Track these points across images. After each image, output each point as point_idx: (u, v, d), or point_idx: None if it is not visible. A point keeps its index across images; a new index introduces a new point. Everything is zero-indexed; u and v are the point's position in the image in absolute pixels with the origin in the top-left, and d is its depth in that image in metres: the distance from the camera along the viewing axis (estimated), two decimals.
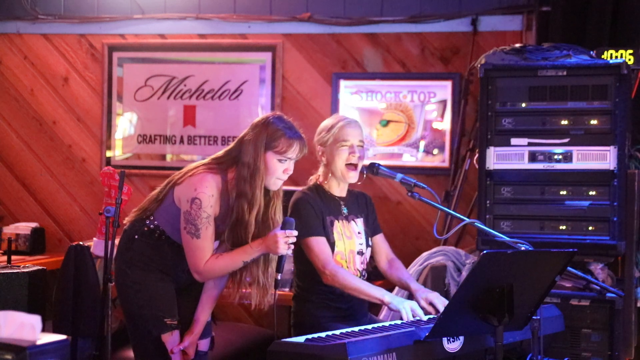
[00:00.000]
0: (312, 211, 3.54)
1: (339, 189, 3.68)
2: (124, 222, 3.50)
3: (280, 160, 3.29)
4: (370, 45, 5.37)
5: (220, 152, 3.41)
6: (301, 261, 3.60)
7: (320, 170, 3.70)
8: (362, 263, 3.67)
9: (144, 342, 3.38)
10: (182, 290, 3.48)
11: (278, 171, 3.30)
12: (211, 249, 3.29)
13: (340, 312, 3.58)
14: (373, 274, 3.94)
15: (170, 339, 3.36)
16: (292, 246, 3.24)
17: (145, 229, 3.39)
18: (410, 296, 4.01)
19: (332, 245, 3.56)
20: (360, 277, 3.64)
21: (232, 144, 3.39)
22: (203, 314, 3.51)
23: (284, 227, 3.23)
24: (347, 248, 3.61)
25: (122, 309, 3.46)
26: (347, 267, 3.60)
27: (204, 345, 3.55)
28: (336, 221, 3.61)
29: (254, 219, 3.30)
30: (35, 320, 1.86)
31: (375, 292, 3.44)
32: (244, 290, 3.58)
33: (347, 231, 3.63)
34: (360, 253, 3.66)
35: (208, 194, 3.25)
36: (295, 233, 3.23)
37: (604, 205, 4.07)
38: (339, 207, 3.66)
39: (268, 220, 3.37)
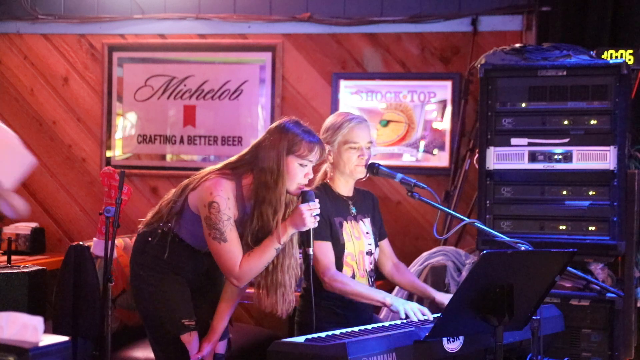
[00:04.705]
0: (320, 215, 3.53)
1: (346, 188, 3.66)
2: (139, 226, 3.51)
3: (301, 165, 3.29)
4: (370, 45, 5.37)
5: (233, 158, 3.39)
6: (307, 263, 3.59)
7: (327, 167, 3.67)
8: (370, 263, 3.65)
9: (163, 343, 3.40)
10: (197, 294, 3.48)
11: (299, 175, 3.29)
12: (240, 251, 3.26)
13: (346, 318, 3.54)
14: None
15: (189, 339, 3.36)
16: (318, 217, 3.26)
17: (159, 231, 3.40)
18: (410, 296, 4.02)
19: (342, 246, 3.55)
20: (368, 278, 3.63)
21: (246, 150, 3.38)
22: (221, 322, 3.49)
23: (304, 200, 3.26)
24: (357, 249, 3.60)
25: (139, 312, 3.48)
26: (357, 268, 3.59)
27: (221, 347, 3.54)
28: (345, 222, 3.59)
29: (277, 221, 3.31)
30: (38, 321, 1.86)
31: (377, 295, 3.43)
32: (247, 291, 3.59)
33: (356, 232, 3.62)
34: (370, 253, 3.64)
35: (224, 197, 3.24)
36: (317, 204, 3.26)
37: (604, 205, 4.07)
38: (347, 207, 3.64)
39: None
